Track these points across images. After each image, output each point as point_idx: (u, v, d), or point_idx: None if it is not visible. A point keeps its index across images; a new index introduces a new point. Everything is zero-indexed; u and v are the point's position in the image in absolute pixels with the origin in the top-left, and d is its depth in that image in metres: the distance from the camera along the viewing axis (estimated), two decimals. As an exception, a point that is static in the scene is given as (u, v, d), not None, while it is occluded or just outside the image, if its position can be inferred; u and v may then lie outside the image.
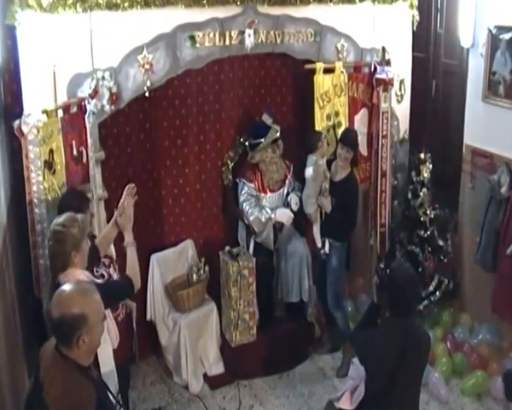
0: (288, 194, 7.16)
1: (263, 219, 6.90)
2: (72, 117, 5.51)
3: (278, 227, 7.05)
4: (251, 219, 6.92)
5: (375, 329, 4.73)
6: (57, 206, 5.06)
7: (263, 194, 7.05)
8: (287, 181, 7.17)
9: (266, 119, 6.92)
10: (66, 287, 3.32)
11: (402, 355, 4.34)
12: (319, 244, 7.00)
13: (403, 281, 4.47)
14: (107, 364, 4.43)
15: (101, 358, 4.23)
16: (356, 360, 4.99)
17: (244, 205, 6.99)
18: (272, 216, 6.94)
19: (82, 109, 5.60)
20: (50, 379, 3.21)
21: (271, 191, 7.10)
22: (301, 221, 7.29)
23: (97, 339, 3.36)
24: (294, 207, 7.05)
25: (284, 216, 7.00)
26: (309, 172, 6.87)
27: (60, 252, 4.19)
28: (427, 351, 4.69)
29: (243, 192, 7.03)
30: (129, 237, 4.77)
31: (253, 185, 7.02)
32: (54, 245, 4.22)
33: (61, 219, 4.26)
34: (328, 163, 6.90)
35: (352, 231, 7.14)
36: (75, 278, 4.01)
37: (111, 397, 3.71)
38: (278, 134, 6.91)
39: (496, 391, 6.36)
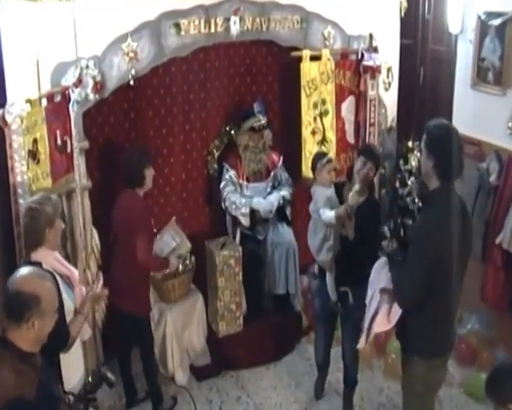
0: (273, 187, 7.18)
1: (239, 206, 6.93)
2: (55, 106, 5.43)
3: (262, 217, 7.05)
4: (227, 203, 6.99)
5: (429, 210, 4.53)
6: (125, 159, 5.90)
7: (243, 181, 7.08)
8: (272, 174, 7.18)
9: (256, 106, 6.95)
10: (27, 268, 3.48)
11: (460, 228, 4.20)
12: (334, 297, 5.93)
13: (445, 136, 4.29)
14: (72, 366, 4.51)
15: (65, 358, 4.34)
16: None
17: (223, 190, 7.04)
18: (247, 204, 6.95)
19: (66, 98, 5.53)
20: None
21: (253, 181, 7.11)
22: (285, 211, 7.30)
23: (47, 328, 3.38)
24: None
25: (260, 205, 6.97)
26: (324, 213, 5.72)
27: (34, 229, 4.37)
28: (471, 224, 4.56)
29: (225, 178, 7.08)
30: (82, 308, 4.57)
31: (234, 172, 7.04)
32: (28, 222, 4.43)
33: (35, 197, 4.53)
34: (339, 187, 5.89)
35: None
36: (46, 260, 4.27)
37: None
38: (258, 124, 6.91)
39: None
